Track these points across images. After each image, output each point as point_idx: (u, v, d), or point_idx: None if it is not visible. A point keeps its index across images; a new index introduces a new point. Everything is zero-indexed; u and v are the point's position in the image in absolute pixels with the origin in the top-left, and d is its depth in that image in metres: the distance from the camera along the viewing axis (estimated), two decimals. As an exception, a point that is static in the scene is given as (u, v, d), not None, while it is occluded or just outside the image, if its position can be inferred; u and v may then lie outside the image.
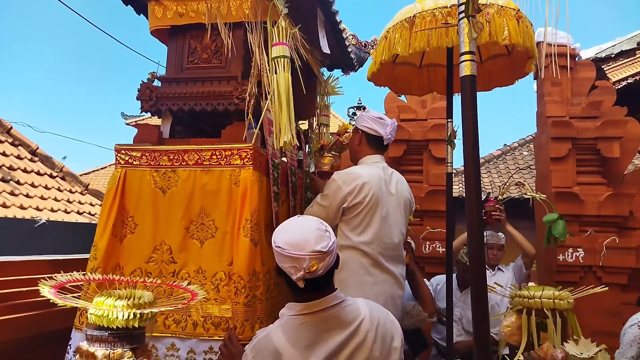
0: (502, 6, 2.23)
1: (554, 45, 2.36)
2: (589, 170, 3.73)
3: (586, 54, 7.82)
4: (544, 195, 3.23)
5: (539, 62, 2.81)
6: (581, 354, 1.85)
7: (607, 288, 2.21)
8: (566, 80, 3.86)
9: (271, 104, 2.09)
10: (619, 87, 7.18)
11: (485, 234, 3.31)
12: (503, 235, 3.52)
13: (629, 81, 7.51)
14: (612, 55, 8.01)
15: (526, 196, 3.25)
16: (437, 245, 3.72)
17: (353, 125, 2.70)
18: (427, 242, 3.73)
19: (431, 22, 2.26)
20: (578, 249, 3.52)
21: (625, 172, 3.79)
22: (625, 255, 3.46)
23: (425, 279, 2.96)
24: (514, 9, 2.24)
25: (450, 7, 2.24)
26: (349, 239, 2.28)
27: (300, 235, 1.33)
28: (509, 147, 10.69)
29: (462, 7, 1.48)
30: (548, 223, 3.15)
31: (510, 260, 3.61)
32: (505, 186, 3.39)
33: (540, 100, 4.07)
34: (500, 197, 3.29)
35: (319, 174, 2.89)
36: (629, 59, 7.88)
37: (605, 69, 7.75)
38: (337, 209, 2.28)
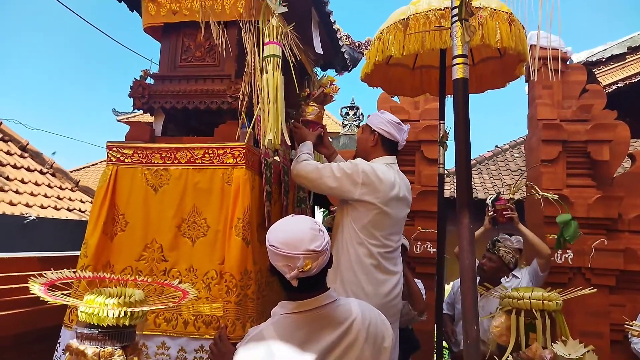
0: (495, 9, 2.24)
1: (549, 49, 2.39)
2: (579, 173, 3.77)
3: (577, 57, 7.89)
4: (556, 196, 3.12)
5: (531, 65, 2.82)
6: (569, 354, 1.87)
7: (595, 290, 2.24)
8: (557, 84, 3.90)
9: (261, 102, 2.08)
10: (610, 90, 7.25)
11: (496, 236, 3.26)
12: (518, 237, 3.31)
13: (619, 85, 7.59)
14: (603, 59, 8.08)
15: (537, 197, 3.18)
16: (428, 246, 3.73)
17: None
18: (419, 243, 3.75)
19: (424, 24, 2.27)
20: (567, 251, 3.55)
21: (615, 175, 3.84)
22: (613, 257, 3.50)
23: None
24: (507, 12, 2.26)
25: (443, 10, 2.25)
26: (358, 235, 2.28)
27: (294, 234, 1.34)
28: (500, 149, 10.75)
29: (455, 11, 1.50)
30: (561, 224, 3.03)
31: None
32: (516, 185, 3.27)
33: (532, 102, 4.10)
34: (511, 196, 3.21)
35: (303, 122, 2.79)
36: (620, 63, 7.95)
37: (596, 72, 7.82)
38: (351, 191, 2.25)
